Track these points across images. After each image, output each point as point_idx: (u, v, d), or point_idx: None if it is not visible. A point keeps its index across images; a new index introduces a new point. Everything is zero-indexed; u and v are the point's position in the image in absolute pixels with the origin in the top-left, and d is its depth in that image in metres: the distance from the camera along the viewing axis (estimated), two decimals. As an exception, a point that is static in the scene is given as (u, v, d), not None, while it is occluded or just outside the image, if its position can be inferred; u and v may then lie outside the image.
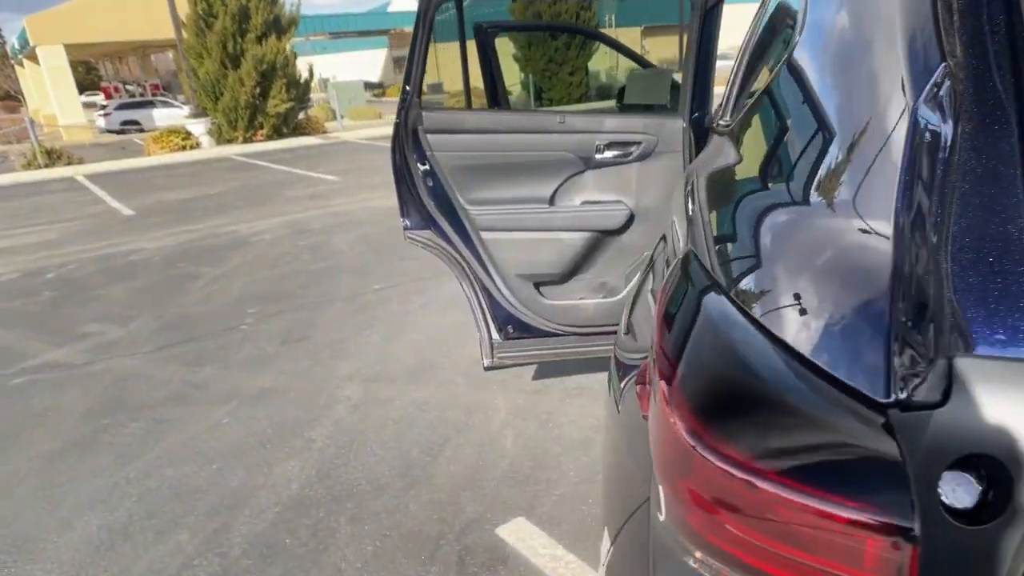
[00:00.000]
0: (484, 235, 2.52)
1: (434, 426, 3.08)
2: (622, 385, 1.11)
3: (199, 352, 4.17)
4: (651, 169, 2.48)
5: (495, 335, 2.77)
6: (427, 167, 2.46)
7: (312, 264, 5.91)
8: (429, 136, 2.38)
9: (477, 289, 2.70)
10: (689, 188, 1.27)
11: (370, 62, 43.26)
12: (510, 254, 2.56)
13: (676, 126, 2.43)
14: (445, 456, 2.82)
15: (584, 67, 16.54)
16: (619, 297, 2.65)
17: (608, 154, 2.45)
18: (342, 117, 19.34)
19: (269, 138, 16.12)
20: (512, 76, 16.38)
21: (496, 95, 3.44)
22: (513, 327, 2.75)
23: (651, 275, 1.93)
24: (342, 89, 22.16)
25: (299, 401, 3.43)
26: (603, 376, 3.12)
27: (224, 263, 6.15)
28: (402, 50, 44.58)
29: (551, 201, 2.50)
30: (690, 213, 1.17)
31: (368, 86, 33.14)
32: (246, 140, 15.88)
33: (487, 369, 2.80)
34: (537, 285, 2.65)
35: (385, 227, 7.07)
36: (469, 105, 3.40)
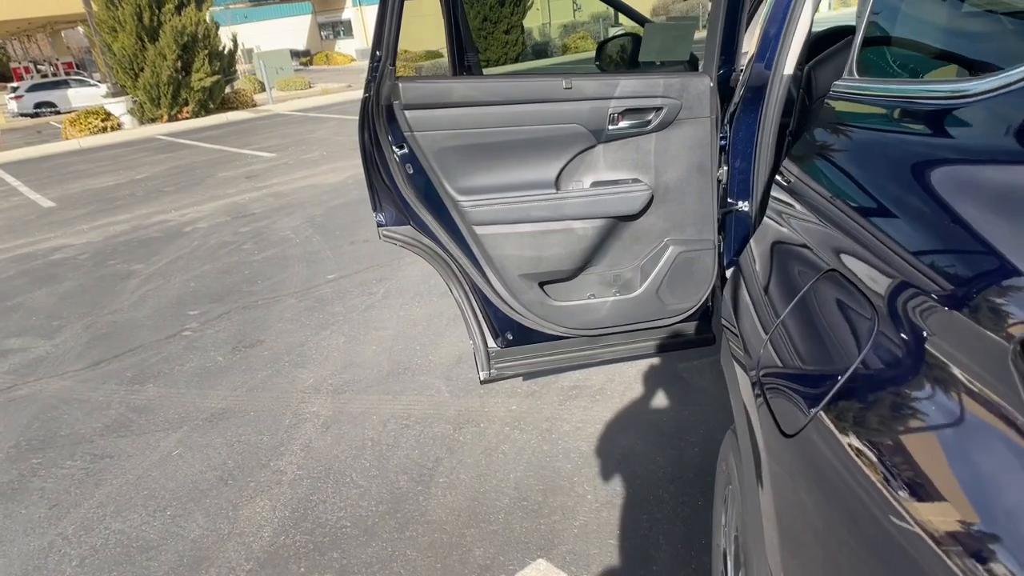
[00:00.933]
0: (479, 230, 2.14)
1: (421, 445, 2.71)
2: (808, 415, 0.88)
3: (139, 367, 3.66)
4: (673, 139, 2.13)
5: (492, 343, 2.41)
6: (406, 150, 2.05)
7: (256, 254, 5.38)
8: (408, 113, 1.97)
9: (469, 293, 2.32)
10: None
11: (295, 29, 41.39)
12: (511, 251, 2.18)
13: (702, 86, 2.08)
14: (439, 483, 2.47)
15: (520, 25, 16.01)
16: (636, 294, 2.32)
17: (623, 124, 2.08)
18: (271, 88, 18.24)
19: (196, 115, 15.04)
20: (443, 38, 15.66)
21: (464, 60, 3.01)
22: (513, 333, 2.40)
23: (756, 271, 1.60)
24: (269, 59, 20.92)
25: (260, 422, 3.01)
26: (601, 371, 2.66)
27: (158, 258, 5.55)
28: (328, 15, 42.69)
29: (556, 184, 2.13)
30: None
31: (294, 55, 31.59)
32: (171, 118, 14.77)
33: (484, 383, 2.44)
34: (542, 284, 2.30)
35: (331, 207, 6.55)
36: (456, 72, 2.96)
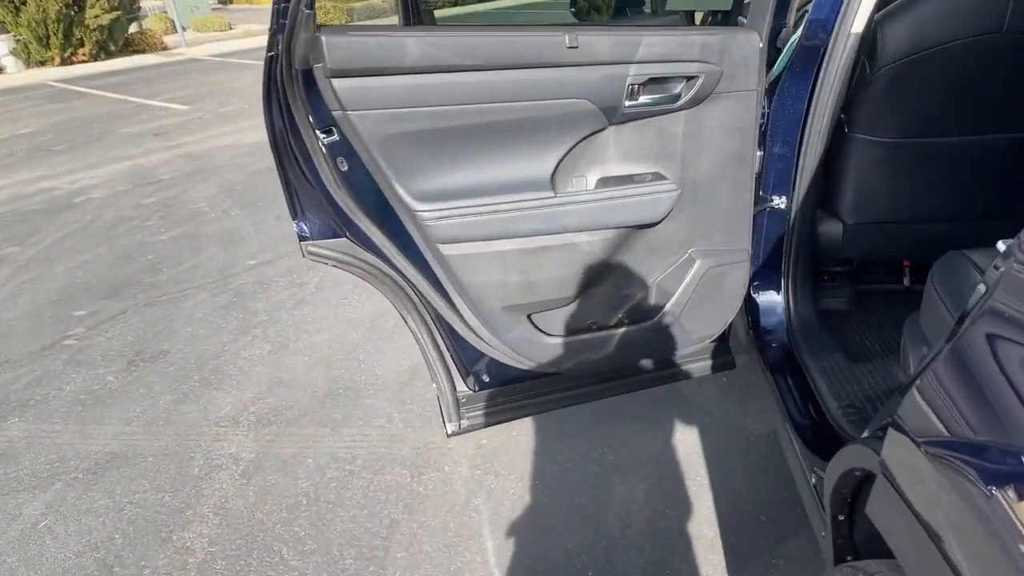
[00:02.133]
0: (445, 250, 1.53)
1: (370, 502, 2.15)
2: None
3: (1, 393, 2.91)
4: (708, 118, 1.57)
5: (462, 386, 1.84)
6: (335, 137, 1.42)
7: (162, 232, 4.57)
8: (337, 83, 1.32)
9: (433, 326, 1.73)
10: None
11: (212, -38, 37.95)
12: (491, 276, 1.59)
13: (749, 48, 1.51)
14: (396, 561, 1.92)
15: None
16: (651, 322, 1.78)
17: (644, 99, 1.49)
18: (184, 30, 16.50)
19: (95, 58, 13.39)
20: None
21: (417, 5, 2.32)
22: (489, 372, 1.83)
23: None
24: (181, -6, 18.90)
25: (161, 471, 2.36)
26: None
27: (38, 238, 4.65)
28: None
29: (552, 184, 1.53)
30: None
31: (213, -9, 28.96)
32: (65, 61, 13.10)
33: (452, 436, 1.88)
34: (531, 315, 1.72)
35: (253, 172, 5.72)
36: (409, 21, 2.25)
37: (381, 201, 1.49)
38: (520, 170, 1.50)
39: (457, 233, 1.49)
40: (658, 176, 1.60)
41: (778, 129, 1.79)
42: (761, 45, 1.55)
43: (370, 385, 2.76)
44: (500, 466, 2.26)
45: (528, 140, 1.48)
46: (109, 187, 5.65)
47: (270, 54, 1.32)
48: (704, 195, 1.67)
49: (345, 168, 1.44)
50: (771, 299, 1.97)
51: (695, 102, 1.55)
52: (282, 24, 1.26)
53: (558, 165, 1.53)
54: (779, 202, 1.85)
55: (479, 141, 1.45)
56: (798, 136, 1.78)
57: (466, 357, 1.80)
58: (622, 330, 1.77)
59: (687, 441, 2.33)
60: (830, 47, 1.64)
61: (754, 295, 1.98)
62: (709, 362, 2.06)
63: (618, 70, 1.45)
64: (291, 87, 1.34)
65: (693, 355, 2.02)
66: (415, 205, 1.45)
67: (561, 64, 1.41)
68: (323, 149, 1.41)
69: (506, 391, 1.87)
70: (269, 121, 1.43)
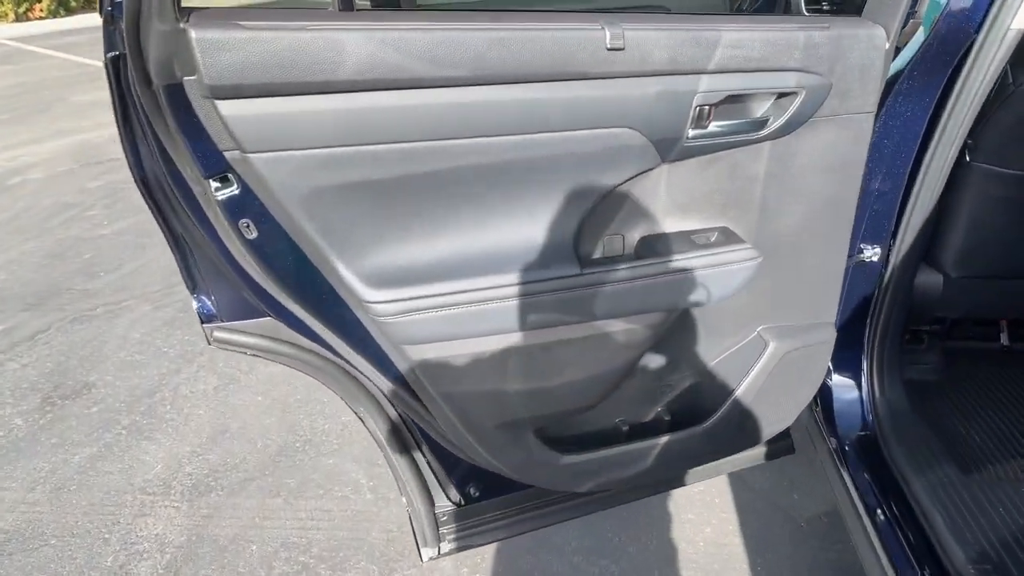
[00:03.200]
0: (413, 352, 1.03)
1: (327, 620, 1.69)
2: None
3: None
4: (802, 152, 1.09)
5: (443, 500, 1.37)
6: (233, 189, 0.90)
7: (105, 225, 4.01)
8: (226, 109, 0.79)
9: (402, 428, 1.26)
10: None
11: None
12: (481, 386, 1.10)
13: (872, 50, 1.02)
14: None
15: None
16: (706, 425, 1.30)
17: (716, 125, 1.00)
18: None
19: (54, 14, 12.49)
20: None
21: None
22: (480, 486, 1.36)
23: None
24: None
25: (65, 561, 1.88)
26: None
27: (-38, 229, 4.07)
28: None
29: (575, 251, 1.03)
30: None
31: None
32: (20, 17, 12.19)
33: (430, 561, 1.41)
34: (542, 427, 1.24)
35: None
36: (350, 2, 1.61)
37: (315, 280, 0.99)
38: (526, 236, 1.00)
39: (430, 332, 1.00)
40: (727, 234, 1.12)
41: (881, 158, 1.30)
42: (888, 46, 1.05)
43: (335, 437, 2.28)
44: (493, 562, 1.81)
45: (540, 191, 0.98)
46: (51, 167, 5.04)
47: (112, 54, 0.81)
48: (786, 256, 1.19)
49: (254, 236, 0.93)
50: (849, 376, 1.51)
51: (788, 129, 1.05)
52: (117, 4, 0.74)
53: (583, 222, 1.03)
54: (871, 253, 1.38)
55: (463, 195, 0.94)
56: (908, 168, 1.30)
57: (447, 466, 1.32)
58: (663, 440, 1.29)
59: (721, 528, 1.88)
60: (976, 48, 1.15)
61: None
62: (763, 449, 1.60)
63: (682, 83, 0.95)
64: (152, 110, 0.83)
65: None
66: (365, 292, 0.95)
67: (597, 75, 0.90)
68: (217, 205, 0.90)
69: (502, 502, 1.41)
70: (131, 156, 0.92)
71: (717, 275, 1.08)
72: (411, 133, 0.86)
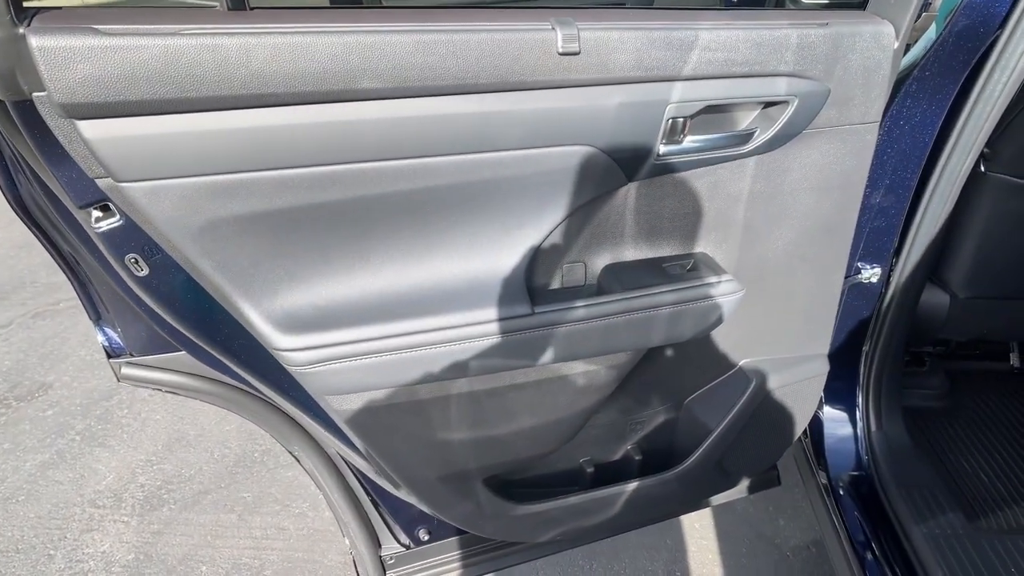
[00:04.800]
0: (339, 403, 0.89)
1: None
2: None
3: None
4: (794, 167, 0.94)
5: (391, 542, 1.24)
6: (115, 220, 0.75)
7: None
8: (88, 129, 0.64)
9: (342, 465, 1.13)
10: None
11: None
12: (420, 437, 0.96)
13: (878, 48, 0.87)
14: None
15: None
16: (681, 468, 1.17)
17: (692, 140, 0.85)
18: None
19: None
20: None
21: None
22: (428, 529, 1.23)
23: None
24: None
25: (3, 583, 1.77)
26: None
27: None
28: None
29: (527, 288, 0.88)
30: None
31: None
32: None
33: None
34: (493, 476, 1.10)
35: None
36: None
37: (224, 319, 0.85)
38: (467, 271, 0.85)
39: (355, 382, 0.85)
40: (705, 262, 0.97)
41: (884, 169, 1.15)
42: (896, 45, 0.90)
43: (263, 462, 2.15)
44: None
45: (484, 219, 0.83)
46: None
47: None
48: (773, 283, 1.05)
49: (144, 272, 0.79)
50: (842, 408, 1.37)
51: (777, 143, 0.90)
52: None
53: (537, 252, 0.88)
54: (870, 274, 1.23)
55: (390, 225, 0.80)
56: (915, 179, 1.15)
57: (393, 508, 1.19)
58: (634, 485, 1.15)
59: (701, 557, 1.76)
60: (1000, 46, 0.99)
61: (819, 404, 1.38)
62: (746, 481, 1.47)
63: (651, 92, 0.80)
64: (8, 129, 0.68)
65: None
66: (276, 338, 0.81)
67: (547, 84, 0.75)
68: (98, 238, 0.76)
69: (455, 544, 1.27)
70: (1, 175, 0.78)
71: (692, 312, 0.93)
72: (323, 155, 0.71)
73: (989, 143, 1.18)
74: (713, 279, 0.93)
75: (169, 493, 2.01)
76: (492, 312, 0.85)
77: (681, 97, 0.80)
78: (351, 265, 0.80)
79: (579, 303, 0.88)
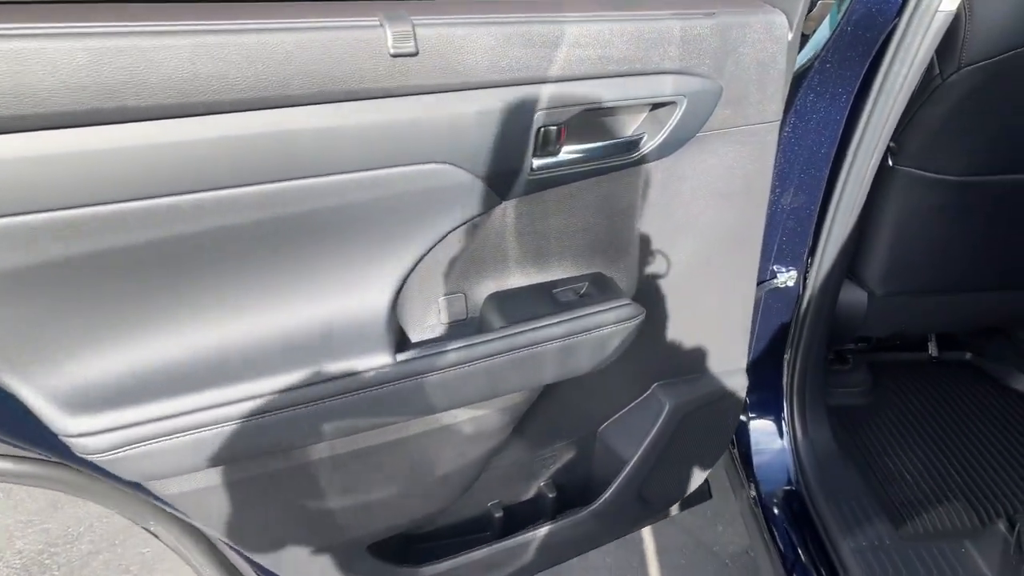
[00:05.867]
0: (160, 487, 0.74)
1: None
2: None
3: None
4: (690, 174, 0.85)
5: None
6: None
7: None
8: None
9: (216, 544, 0.98)
10: None
11: None
12: (277, 511, 0.82)
13: (771, 41, 0.79)
14: None
15: None
16: (596, 506, 1.06)
17: (570, 151, 0.74)
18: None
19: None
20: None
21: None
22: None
23: None
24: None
25: None
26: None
27: None
28: None
29: (387, 332, 0.75)
30: None
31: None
32: None
33: None
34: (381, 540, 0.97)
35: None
36: None
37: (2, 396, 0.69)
38: (315, 318, 0.72)
39: (175, 464, 0.71)
40: (601, 285, 0.86)
41: (792, 169, 1.08)
42: (791, 36, 0.81)
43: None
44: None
45: (330, 256, 0.70)
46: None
47: None
48: (679, 298, 0.95)
49: None
50: (767, 417, 1.31)
51: (668, 149, 0.81)
52: None
53: (403, 289, 0.76)
54: (785, 278, 1.16)
55: (206, 271, 0.65)
56: (824, 178, 1.08)
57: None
58: (547, 528, 1.05)
59: (643, 569, 1.68)
60: (899, 35, 0.93)
61: (742, 415, 1.31)
62: (673, 505, 1.38)
63: (513, 98, 0.68)
64: None
65: None
66: (63, 422, 0.65)
67: (380, 92, 0.62)
68: None
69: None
70: None
71: (587, 343, 0.83)
72: (103, 191, 0.56)
73: (895, 137, 1.13)
74: (609, 304, 0.83)
75: (52, 558, 1.80)
76: (347, 364, 0.72)
77: (551, 102, 0.69)
78: (158, 322, 0.66)
79: (452, 345, 0.76)
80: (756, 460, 1.30)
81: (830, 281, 1.18)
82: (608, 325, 0.82)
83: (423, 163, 0.67)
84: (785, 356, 1.26)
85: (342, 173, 0.63)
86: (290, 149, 0.60)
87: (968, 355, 1.66)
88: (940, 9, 0.89)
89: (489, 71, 0.65)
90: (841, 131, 1.04)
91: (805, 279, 1.19)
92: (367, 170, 0.64)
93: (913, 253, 1.29)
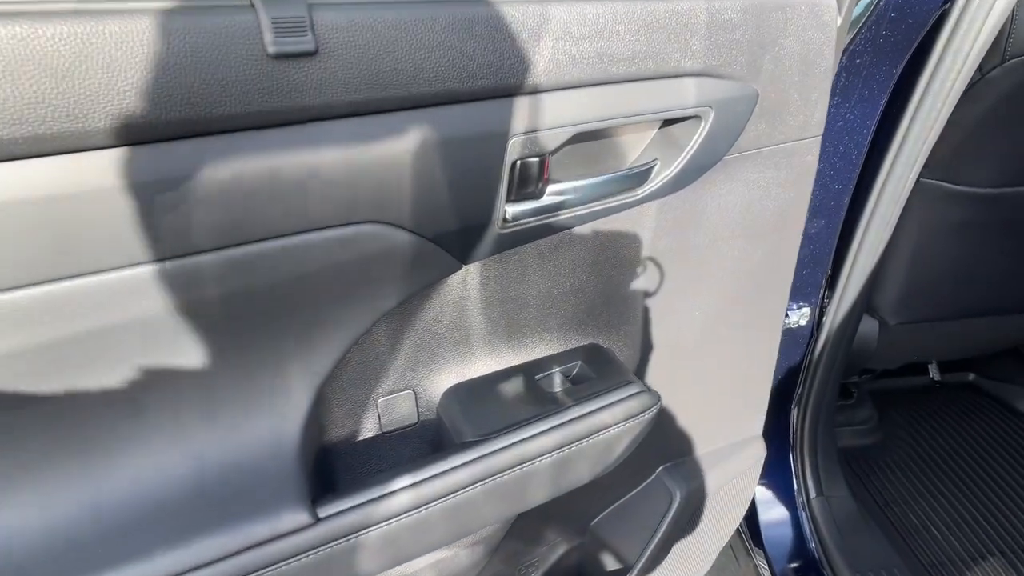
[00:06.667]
0: None
1: None
2: None
3: None
4: (711, 208, 0.63)
5: None
6: None
7: None
8: None
9: None
10: None
11: None
12: None
13: (820, 32, 0.58)
14: None
15: None
16: None
17: (555, 192, 0.51)
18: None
19: None
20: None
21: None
22: None
23: None
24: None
25: None
26: None
27: None
28: None
29: (310, 457, 0.52)
30: None
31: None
32: None
33: None
34: None
35: None
36: None
37: None
38: (188, 461, 0.47)
39: None
40: (598, 361, 0.64)
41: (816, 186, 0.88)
42: (840, 22, 0.61)
43: None
44: None
45: (218, 360, 0.45)
46: None
47: None
48: (692, 364, 0.74)
49: None
50: (776, 477, 1.11)
51: (687, 179, 0.59)
52: None
53: (319, 398, 0.52)
54: (797, 316, 0.97)
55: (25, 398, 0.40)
56: (847, 196, 0.89)
57: None
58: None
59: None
60: (953, 19, 0.74)
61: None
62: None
63: (475, 120, 0.45)
64: None
65: None
66: None
67: (260, 117, 0.38)
68: None
69: None
70: None
71: (590, 449, 0.60)
72: None
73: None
74: (615, 395, 0.61)
75: None
76: (244, 532, 0.48)
77: (530, 123, 0.46)
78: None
79: (399, 482, 0.52)
80: (764, 525, 1.11)
81: (850, 318, 0.99)
82: (616, 425, 0.60)
83: (339, 225, 0.43)
84: (793, 408, 1.07)
85: (200, 253, 0.39)
86: (98, 216, 0.35)
87: (971, 376, 1.52)
88: (997, -7, 0.71)
89: (435, 79, 0.41)
90: (867, 144, 0.85)
91: (820, 317, 1.00)
92: (269, 240, 0.40)
93: (932, 276, 1.12)
